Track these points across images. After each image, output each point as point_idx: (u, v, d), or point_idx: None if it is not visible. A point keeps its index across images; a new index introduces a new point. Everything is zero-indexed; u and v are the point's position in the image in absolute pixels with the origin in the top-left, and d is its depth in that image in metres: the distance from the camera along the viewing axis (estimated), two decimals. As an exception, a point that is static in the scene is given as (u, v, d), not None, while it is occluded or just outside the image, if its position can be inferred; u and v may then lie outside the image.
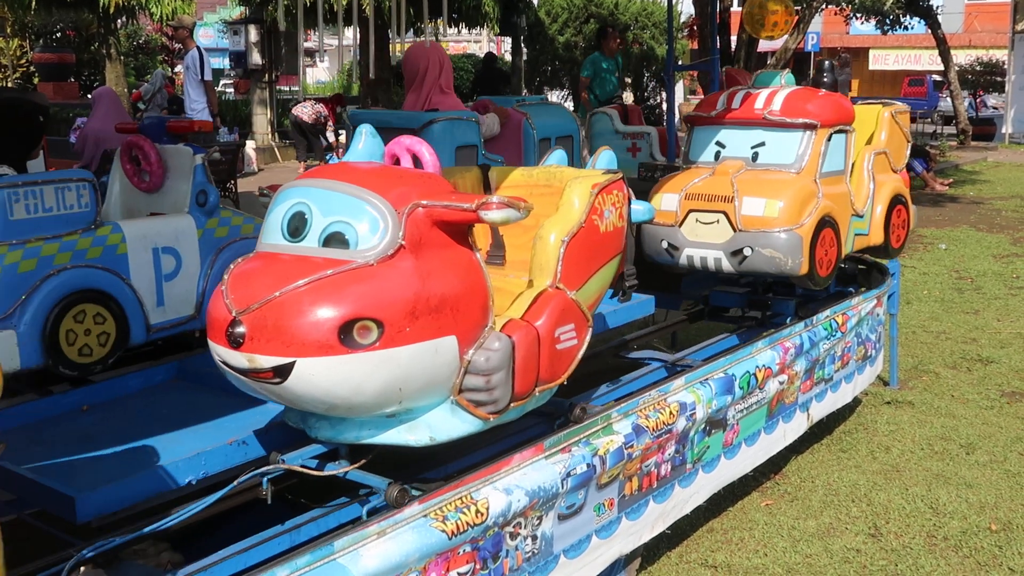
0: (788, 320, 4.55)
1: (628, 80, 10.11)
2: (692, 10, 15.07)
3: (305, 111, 14.65)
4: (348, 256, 2.46)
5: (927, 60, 34.26)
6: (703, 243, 4.34)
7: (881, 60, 38.33)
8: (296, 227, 2.55)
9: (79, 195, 3.42)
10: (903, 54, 37.69)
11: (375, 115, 4.80)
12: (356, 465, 2.83)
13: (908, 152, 5.20)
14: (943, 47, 22.69)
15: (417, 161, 2.84)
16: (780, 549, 3.95)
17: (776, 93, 4.51)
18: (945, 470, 4.67)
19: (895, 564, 3.83)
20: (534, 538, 2.91)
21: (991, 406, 5.51)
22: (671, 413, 3.47)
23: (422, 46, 4.85)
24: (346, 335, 2.36)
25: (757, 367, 3.99)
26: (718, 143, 4.60)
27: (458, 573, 2.64)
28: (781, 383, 4.16)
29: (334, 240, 2.49)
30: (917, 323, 7.23)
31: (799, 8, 13.99)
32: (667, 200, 4.45)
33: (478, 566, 2.71)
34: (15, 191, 3.28)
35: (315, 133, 14.62)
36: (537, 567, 2.94)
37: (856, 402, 5.39)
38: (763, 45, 14.47)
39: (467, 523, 2.65)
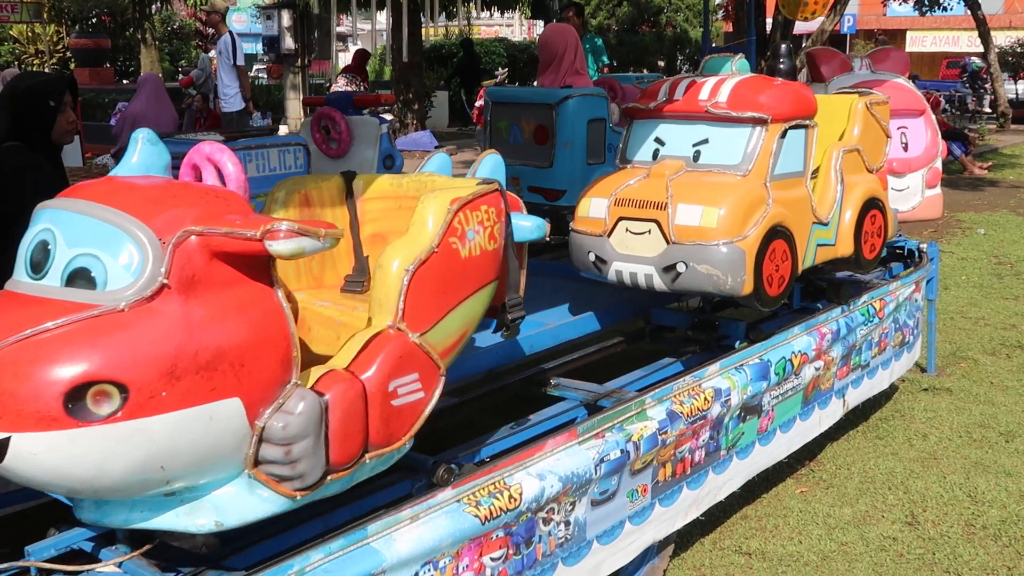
0: (737, 344, 3.96)
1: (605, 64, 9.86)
2: (727, -8, 14.91)
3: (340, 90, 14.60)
4: (93, 299, 1.94)
5: (966, 42, 33.72)
6: (633, 256, 3.70)
7: (919, 42, 37.77)
8: (38, 260, 2.04)
9: (295, 157, 3.97)
10: (941, 36, 37.13)
11: (513, 92, 5.13)
12: (137, 552, 2.38)
13: (888, 149, 4.53)
14: (983, 28, 22.30)
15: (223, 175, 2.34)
16: (815, 536, 3.91)
17: (723, 82, 3.86)
18: (984, 458, 4.60)
19: (932, 553, 3.79)
20: (567, 524, 2.89)
21: (1031, 393, 5.43)
22: (706, 399, 3.44)
23: (560, 29, 5.34)
24: (75, 404, 1.86)
25: (793, 353, 3.95)
26: (657, 139, 3.95)
27: (491, 558, 2.64)
28: (817, 369, 4.12)
29: (79, 278, 1.98)
30: (955, 309, 7.13)
31: (836, -11, 13.79)
32: (595, 206, 3.83)
33: (511, 551, 2.70)
34: (248, 152, 3.79)
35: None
36: (570, 552, 2.93)
37: (893, 389, 5.32)
38: (799, 27, 14.30)
39: (500, 508, 2.64)
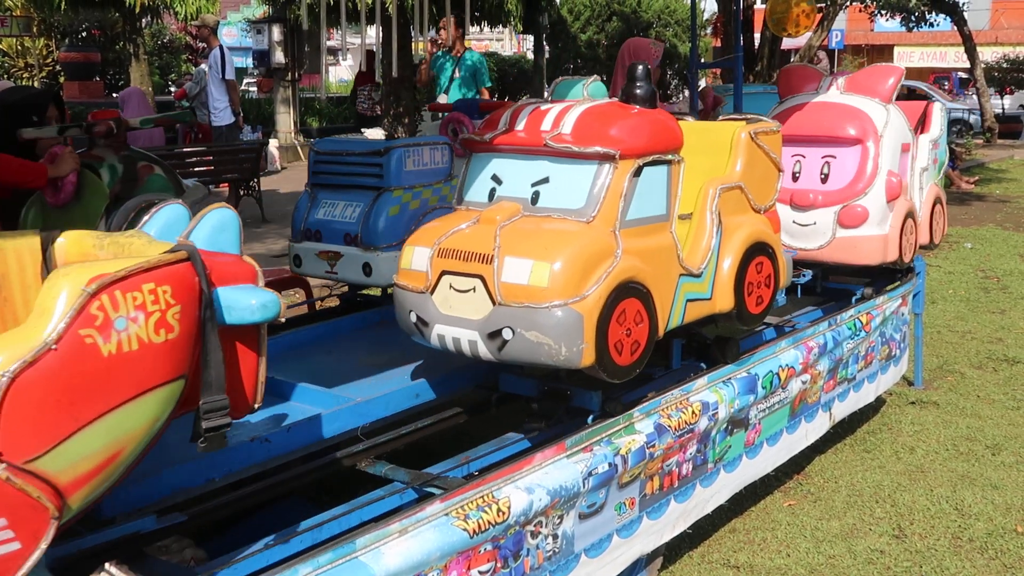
0: (590, 420, 3.30)
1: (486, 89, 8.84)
2: (715, 7, 15.01)
3: (363, 105, 14.50)
4: None
5: (953, 57, 33.99)
6: (457, 318, 3.06)
7: (906, 57, 38.04)
8: None
9: (442, 154, 4.22)
10: (928, 51, 37.42)
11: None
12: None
13: (779, 185, 3.88)
14: (969, 44, 22.48)
15: None
16: (803, 550, 3.93)
17: (568, 111, 3.20)
18: (970, 471, 4.63)
19: (919, 566, 3.81)
20: (555, 537, 2.90)
21: (1017, 407, 5.46)
22: (693, 412, 3.46)
23: (645, 43, 5.49)
24: None
25: (780, 367, 3.97)
26: (494, 177, 3.30)
27: (479, 571, 2.65)
28: (804, 383, 4.14)
29: None
30: (942, 323, 7.17)
31: (823, 5, 13.92)
32: (418, 256, 3.17)
33: (499, 565, 2.71)
34: (407, 150, 4.09)
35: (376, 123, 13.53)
36: (558, 566, 2.94)
37: (880, 402, 5.35)
38: (787, 43, 14.41)
39: (488, 522, 2.65)
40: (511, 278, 2.95)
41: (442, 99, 8.60)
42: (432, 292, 3.12)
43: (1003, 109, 26.93)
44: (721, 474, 3.70)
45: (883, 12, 24.46)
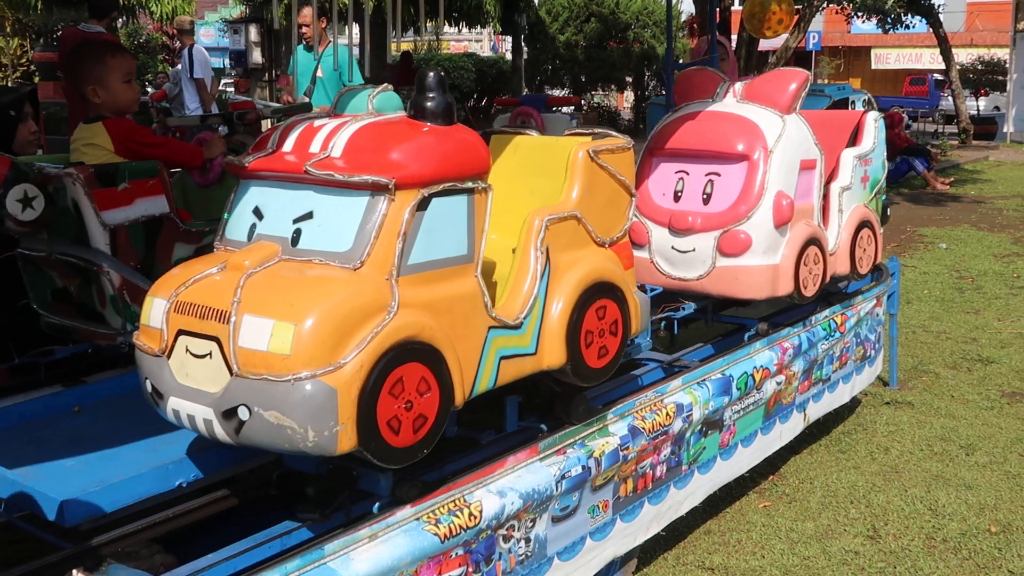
0: (375, 510, 2.65)
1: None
2: (693, 9, 15.05)
3: None
4: None
5: (928, 59, 34.25)
6: (193, 390, 2.44)
7: (883, 59, 38.36)
8: None
9: None
10: (904, 53, 37.70)
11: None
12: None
13: (631, 213, 3.20)
14: (944, 46, 22.68)
15: None
16: (778, 551, 3.93)
17: (341, 129, 2.61)
18: (944, 471, 4.64)
19: (894, 566, 3.81)
20: (527, 540, 2.89)
21: (991, 407, 5.49)
22: (667, 414, 3.45)
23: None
24: None
25: (755, 368, 3.97)
26: (256, 211, 2.64)
27: (450, 576, 2.62)
28: (779, 384, 4.14)
29: None
30: (917, 323, 7.20)
31: (800, 7, 13.98)
32: (156, 310, 2.54)
33: (470, 569, 2.69)
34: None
35: None
36: (530, 570, 2.92)
37: (855, 402, 5.37)
38: (764, 44, 14.47)
39: (460, 526, 2.63)
40: (249, 342, 2.32)
41: (302, 100, 7.62)
42: (168, 355, 2.50)
43: (978, 111, 27.18)
44: (695, 476, 3.69)
45: (860, 14, 24.66)
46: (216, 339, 2.37)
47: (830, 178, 4.56)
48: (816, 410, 4.56)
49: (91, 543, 2.56)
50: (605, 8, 24.50)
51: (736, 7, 14.04)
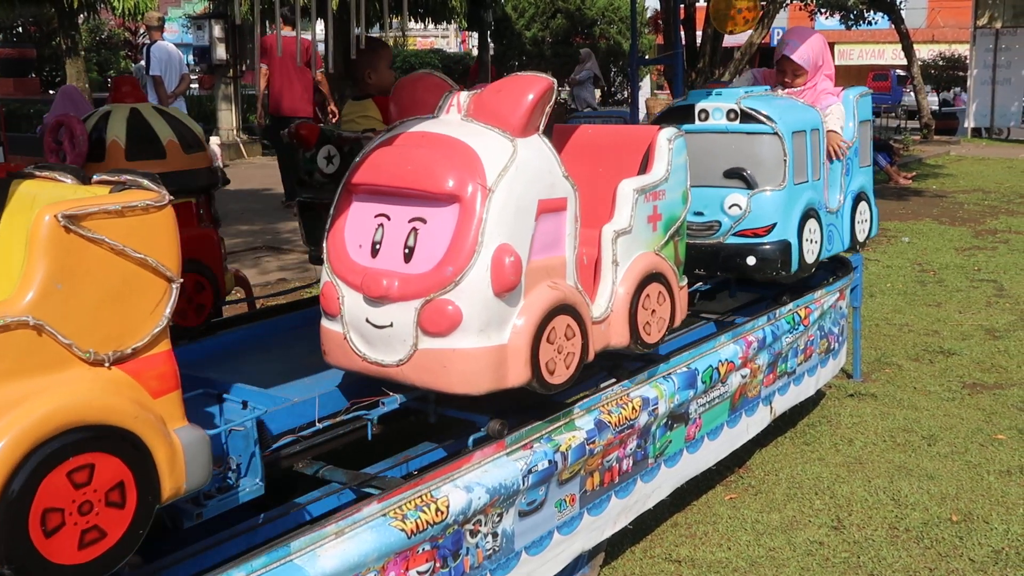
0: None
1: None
2: (658, 5, 15.09)
3: None
4: None
5: (891, 55, 34.62)
6: None
7: (847, 55, 38.65)
8: None
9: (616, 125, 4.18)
10: (867, 49, 38.07)
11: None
12: None
13: (167, 307, 2.14)
14: (906, 42, 22.92)
15: None
16: (744, 543, 3.96)
17: None
18: (907, 462, 4.70)
19: (857, 556, 3.86)
20: (495, 535, 2.89)
21: (952, 398, 5.56)
22: (634, 408, 3.46)
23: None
24: None
25: (720, 361, 3.99)
26: None
27: (417, 572, 2.62)
28: (744, 377, 4.17)
29: None
30: (880, 316, 7.28)
31: (764, 3, 14.06)
32: None
33: (438, 564, 2.69)
34: (590, 120, 4.37)
35: None
36: (498, 564, 2.92)
37: (820, 395, 5.42)
38: (728, 40, 14.53)
39: (427, 521, 2.63)
40: None
41: None
42: None
43: (939, 106, 27.50)
44: (662, 469, 3.71)
45: (823, 10, 24.87)
46: None
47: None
48: (782, 403, 4.60)
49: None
50: (571, 4, 24.54)
51: (701, 3, 14.10)
